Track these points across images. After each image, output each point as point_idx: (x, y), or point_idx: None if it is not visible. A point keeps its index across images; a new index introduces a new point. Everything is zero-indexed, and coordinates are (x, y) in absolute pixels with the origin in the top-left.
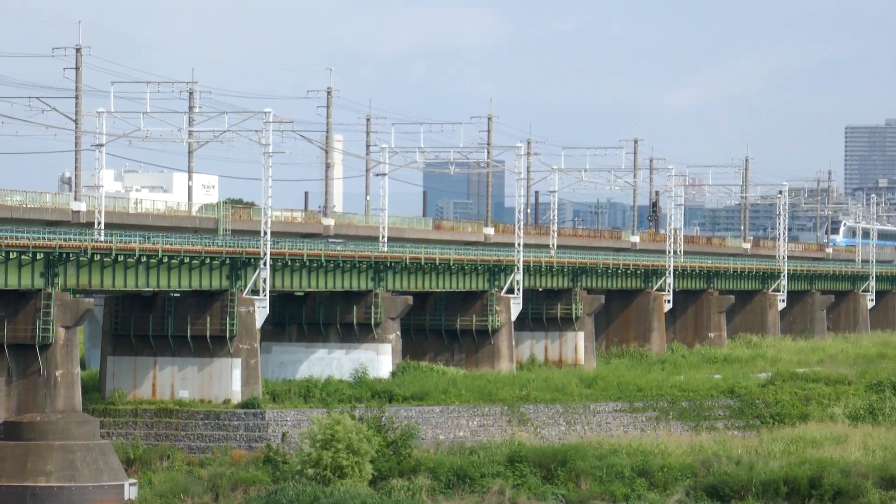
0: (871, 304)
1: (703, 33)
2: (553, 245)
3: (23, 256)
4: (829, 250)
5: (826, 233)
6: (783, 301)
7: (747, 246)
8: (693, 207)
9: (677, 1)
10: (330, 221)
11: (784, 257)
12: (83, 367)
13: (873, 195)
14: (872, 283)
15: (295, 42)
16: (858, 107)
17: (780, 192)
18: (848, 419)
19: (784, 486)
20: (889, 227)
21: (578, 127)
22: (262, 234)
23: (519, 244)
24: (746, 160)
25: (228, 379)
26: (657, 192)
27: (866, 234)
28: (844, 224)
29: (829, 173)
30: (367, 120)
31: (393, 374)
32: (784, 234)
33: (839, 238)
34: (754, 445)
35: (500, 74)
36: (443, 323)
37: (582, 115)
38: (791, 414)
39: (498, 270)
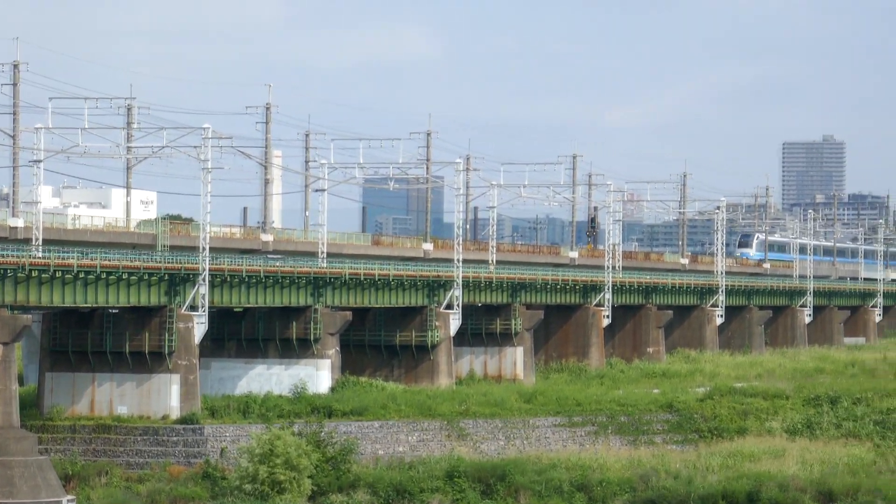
0: (808, 319)
1: (641, 54)
2: (492, 260)
3: None
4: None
5: (738, 246)
6: (721, 316)
7: (685, 261)
8: (631, 223)
9: (614, 23)
10: (269, 237)
11: (722, 273)
12: (21, 383)
13: (810, 210)
14: (810, 299)
15: (234, 58)
16: (795, 123)
17: (718, 208)
18: (786, 433)
19: (722, 501)
20: (807, 241)
21: (517, 143)
22: (200, 249)
23: (458, 260)
24: (684, 176)
25: (167, 395)
26: (595, 208)
27: (781, 247)
28: (757, 237)
29: (767, 189)
30: (306, 136)
31: (332, 389)
32: (722, 249)
33: (752, 252)
34: (693, 460)
35: (439, 91)
36: (382, 338)
37: (520, 132)
38: (729, 428)
39: (437, 286)
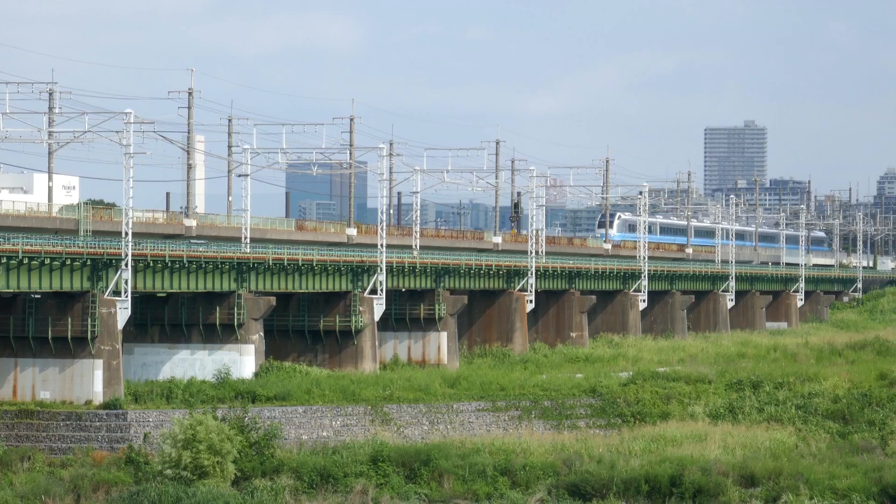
0: (730, 304)
1: (563, 41)
2: (416, 246)
3: None
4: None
5: (599, 226)
6: (644, 301)
7: (608, 247)
8: (554, 208)
9: (536, 9)
10: (192, 222)
11: (644, 258)
12: None
13: (732, 195)
14: (732, 284)
15: (157, 43)
16: (717, 109)
17: (641, 193)
18: (708, 418)
19: (645, 485)
20: (675, 221)
21: (440, 129)
22: (123, 234)
23: (382, 245)
24: (607, 161)
25: (90, 380)
26: (519, 193)
27: (648, 229)
28: (619, 217)
29: (689, 174)
30: (229, 121)
31: (256, 374)
32: (644, 234)
33: (613, 232)
34: (616, 444)
35: (362, 77)
36: (306, 324)
37: (444, 118)
38: (652, 413)
39: (361, 271)
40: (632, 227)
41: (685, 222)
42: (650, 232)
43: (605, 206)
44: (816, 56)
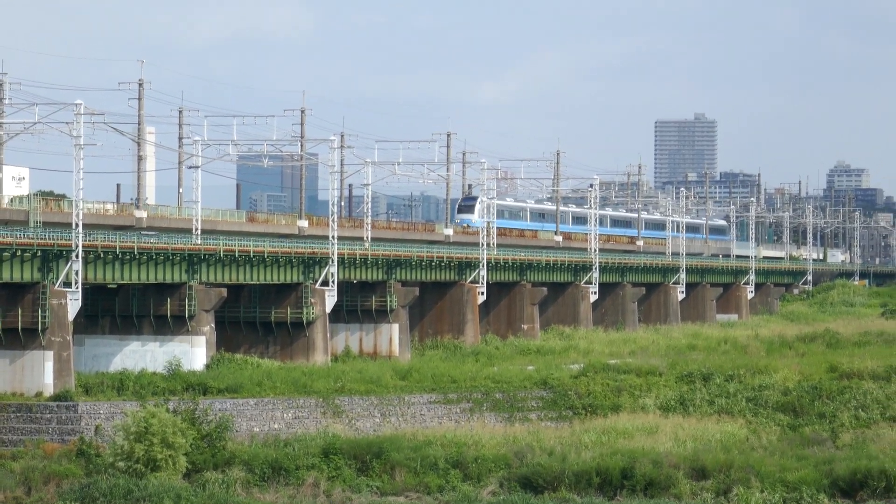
0: (681, 297)
1: (510, 29)
2: (367, 237)
3: None
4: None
5: (457, 212)
6: (595, 293)
7: (559, 239)
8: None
9: None
10: (143, 214)
11: (595, 250)
12: None
13: (682, 188)
14: (683, 276)
15: (106, 34)
16: (667, 101)
17: (591, 186)
18: (659, 410)
19: (596, 477)
20: (551, 207)
21: (391, 120)
22: (73, 226)
23: (333, 237)
24: (558, 154)
25: (41, 372)
26: (470, 186)
27: (514, 214)
28: (480, 201)
29: (640, 167)
30: (180, 112)
31: (207, 366)
32: (595, 227)
33: (474, 217)
34: (567, 436)
35: (312, 67)
36: (257, 315)
37: (394, 109)
38: (603, 405)
39: (312, 263)
40: (498, 214)
41: (569, 209)
42: (517, 218)
43: (557, 199)
44: (765, 45)
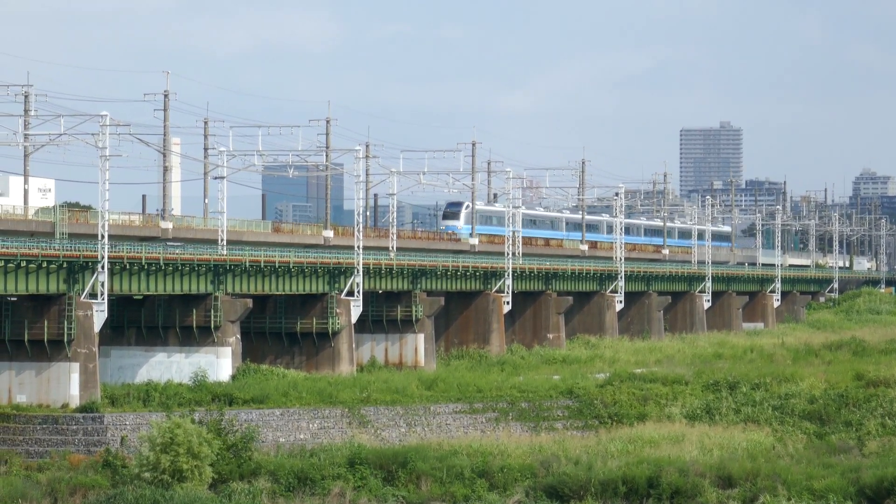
0: (707, 305)
1: (535, 39)
2: (392, 247)
3: None
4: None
5: (442, 218)
6: (621, 302)
7: (585, 248)
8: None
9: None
10: (168, 224)
11: (621, 259)
12: None
13: (708, 197)
14: (709, 284)
15: (132, 44)
16: (693, 110)
17: (617, 195)
18: (685, 419)
19: (623, 486)
20: (549, 213)
21: (416, 130)
22: (99, 237)
23: (358, 247)
24: (583, 162)
25: (67, 383)
26: (495, 195)
27: (501, 220)
28: (466, 206)
29: (665, 175)
30: (205, 123)
31: (233, 377)
32: (621, 235)
33: (460, 224)
34: (593, 445)
35: (337, 78)
36: (283, 326)
37: (419, 119)
38: (629, 414)
39: (338, 273)
40: (486, 220)
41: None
42: (544, 227)
43: (582, 208)
44: (789, 53)
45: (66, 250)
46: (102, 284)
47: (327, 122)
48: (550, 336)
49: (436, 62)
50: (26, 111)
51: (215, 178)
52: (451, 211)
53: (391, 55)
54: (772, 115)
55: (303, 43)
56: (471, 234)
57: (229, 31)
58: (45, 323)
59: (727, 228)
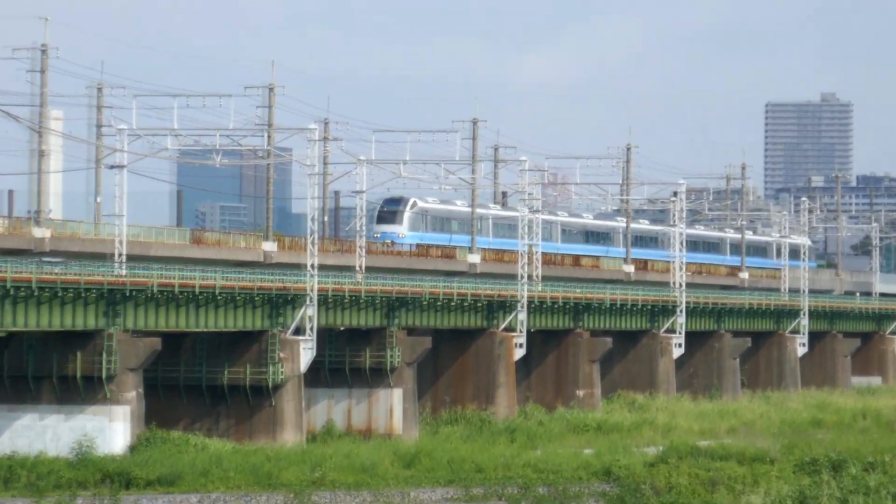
0: (802, 351)
1: None
2: (360, 266)
3: None
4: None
5: (378, 221)
6: (681, 346)
7: (630, 269)
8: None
9: None
10: (44, 232)
11: (682, 285)
12: None
13: (804, 197)
14: (805, 321)
15: None
16: (783, 78)
17: (676, 194)
18: None
19: None
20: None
21: (394, 103)
22: None
23: (312, 265)
24: (628, 150)
25: None
26: (504, 194)
27: (463, 224)
28: (412, 205)
29: (743, 168)
30: (98, 90)
31: (132, 448)
32: (682, 251)
33: (401, 230)
34: None
35: (286, 35)
36: (204, 376)
37: (399, 90)
38: None
39: (282, 302)
40: (434, 223)
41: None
42: (574, 240)
43: (627, 213)
44: None
45: None
46: None
47: (270, 89)
48: (580, 393)
49: (421, 19)
50: None
51: (111, 166)
52: (388, 211)
53: (360, 9)
54: (893, 86)
55: None
56: (412, 246)
57: None
58: None
59: (803, 240)
